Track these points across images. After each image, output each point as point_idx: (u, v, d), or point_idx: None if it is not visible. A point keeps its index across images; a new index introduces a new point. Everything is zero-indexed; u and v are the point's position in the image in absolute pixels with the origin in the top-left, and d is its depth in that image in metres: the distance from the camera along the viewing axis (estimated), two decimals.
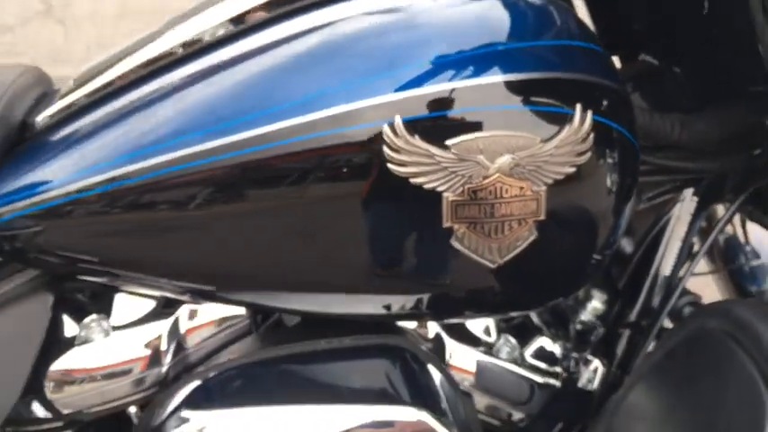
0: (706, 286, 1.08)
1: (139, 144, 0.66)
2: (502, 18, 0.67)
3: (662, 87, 0.86)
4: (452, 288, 0.69)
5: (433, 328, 0.79)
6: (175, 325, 0.75)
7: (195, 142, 0.65)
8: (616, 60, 0.88)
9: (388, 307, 0.72)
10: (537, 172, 0.62)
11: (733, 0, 0.70)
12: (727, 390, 0.62)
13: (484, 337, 0.81)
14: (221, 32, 0.72)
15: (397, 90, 0.61)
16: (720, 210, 0.99)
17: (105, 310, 0.76)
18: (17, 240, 0.70)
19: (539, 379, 0.82)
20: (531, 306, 0.78)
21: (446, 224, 0.63)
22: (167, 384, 0.75)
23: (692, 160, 0.86)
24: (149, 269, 0.72)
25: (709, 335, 0.68)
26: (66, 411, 0.75)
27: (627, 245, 0.94)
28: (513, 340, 0.82)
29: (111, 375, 0.74)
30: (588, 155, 0.64)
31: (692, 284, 0.97)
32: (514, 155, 0.61)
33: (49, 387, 0.74)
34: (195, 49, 0.72)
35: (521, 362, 0.82)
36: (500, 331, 0.82)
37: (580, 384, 0.85)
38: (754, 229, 1.11)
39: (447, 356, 0.79)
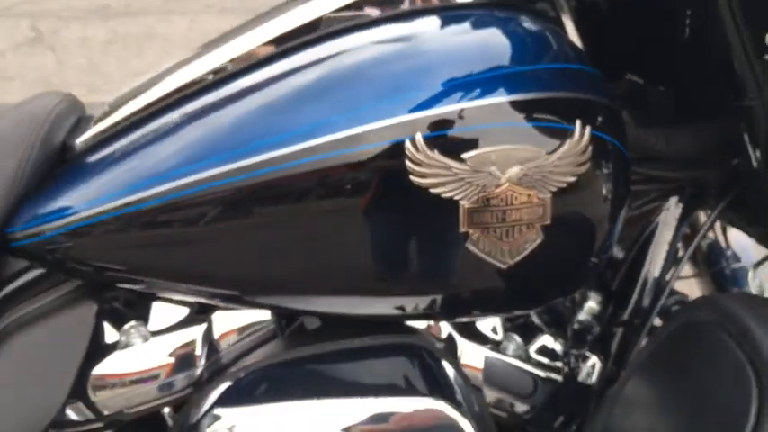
0: (689, 289, 1.15)
1: (167, 167, 0.73)
2: (504, 44, 0.75)
3: (647, 104, 0.93)
4: (464, 289, 0.76)
5: (445, 328, 0.85)
6: (208, 330, 0.81)
7: (224, 162, 0.71)
8: None
9: (402, 308, 0.78)
10: (543, 181, 0.70)
11: (711, 25, 0.77)
12: (718, 375, 0.69)
13: (491, 336, 0.87)
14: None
15: (417, 110, 0.68)
16: (703, 216, 1.07)
17: (143, 316, 0.81)
18: (59, 253, 0.76)
19: (542, 374, 0.88)
20: (535, 304, 0.84)
21: (462, 229, 0.70)
22: (201, 385, 0.80)
23: (676, 170, 0.93)
24: (179, 278, 0.78)
25: (698, 326, 0.74)
26: (107, 412, 0.81)
27: (618, 250, 1.01)
28: (518, 338, 0.88)
29: (149, 377, 0.80)
30: (587, 165, 0.71)
31: (678, 287, 1.04)
32: (523, 166, 0.68)
33: (91, 389, 0.80)
34: (218, 78, 0.78)
35: (525, 358, 0.88)
36: (506, 331, 0.89)
37: (580, 379, 0.91)
38: (735, 234, 1.19)
39: (458, 354, 0.85)
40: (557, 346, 0.91)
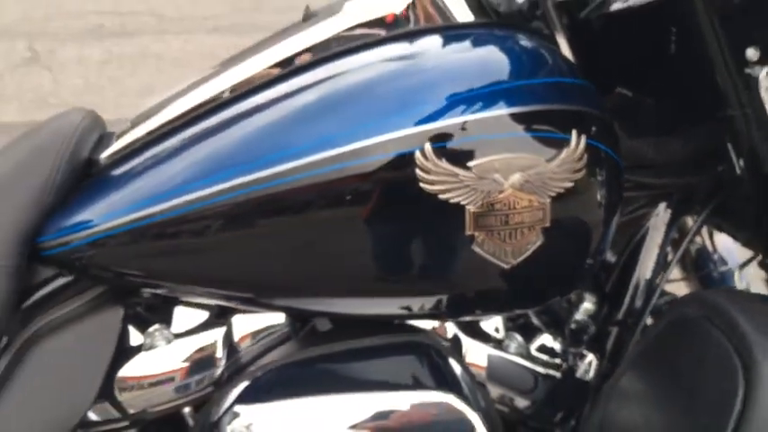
0: (679, 292, 1.20)
1: (182, 181, 0.78)
2: (503, 60, 0.80)
3: (637, 115, 0.99)
4: (470, 289, 0.81)
5: (450, 328, 0.90)
6: (228, 332, 0.86)
7: (236, 175, 0.76)
8: None
9: (409, 308, 0.83)
10: (542, 187, 0.75)
11: (695, 42, 0.83)
12: (706, 365, 0.74)
13: (494, 335, 0.92)
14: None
15: (424, 123, 0.73)
16: (691, 221, 1.12)
17: (166, 320, 0.86)
18: (85, 261, 0.81)
19: (542, 370, 0.93)
20: (535, 303, 0.89)
21: (468, 232, 0.75)
22: (222, 384, 0.85)
23: (665, 177, 0.99)
24: (196, 282, 0.83)
25: (687, 320, 0.80)
26: (132, 411, 0.85)
27: (611, 254, 1.06)
28: (519, 337, 0.93)
29: (173, 377, 0.85)
30: (583, 172, 0.76)
31: (668, 290, 1.10)
32: (524, 173, 0.74)
33: (118, 390, 0.84)
34: (230, 97, 0.83)
35: (526, 356, 0.93)
36: (507, 330, 0.94)
37: (578, 375, 0.95)
38: (722, 239, 1.24)
39: (463, 353, 0.90)
40: (555, 345, 0.96)
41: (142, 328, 0.86)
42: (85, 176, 0.85)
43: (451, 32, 0.84)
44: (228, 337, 0.86)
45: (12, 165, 0.84)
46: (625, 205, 1.00)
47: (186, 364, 0.85)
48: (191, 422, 0.89)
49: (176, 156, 0.80)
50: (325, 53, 0.83)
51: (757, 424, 0.65)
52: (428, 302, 0.82)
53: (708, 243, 1.24)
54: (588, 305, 1.01)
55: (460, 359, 0.87)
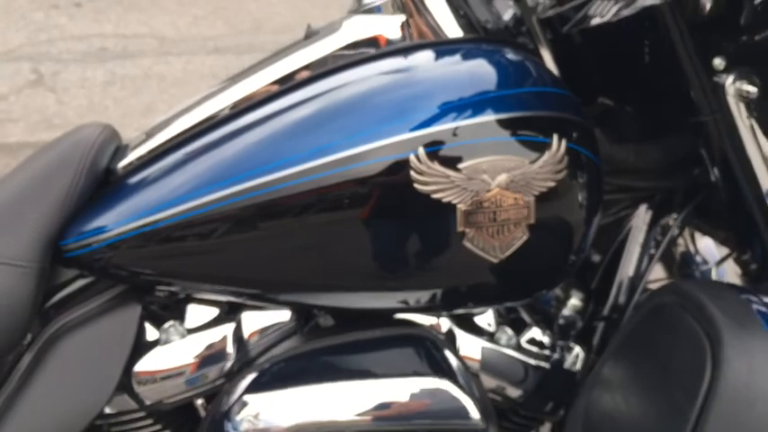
0: None
1: (192, 187, 0.84)
2: (491, 72, 0.87)
3: (618, 123, 1.05)
4: (462, 282, 0.87)
5: (445, 323, 0.96)
6: (237, 328, 0.92)
7: (242, 181, 0.82)
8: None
9: (406, 302, 0.89)
10: (527, 186, 0.81)
11: (667, 53, 0.90)
12: (678, 347, 0.80)
13: (487, 329, 0.98)
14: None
15: (418, 129, 0.80)
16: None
17: (180, 317, 0.92)
18: (104, 262, 0.87)
19: (532, 362, 0.98)
20: (523, 296, 0.95)
21: (459, 229, 0.81)
22: (232, 376, 0.91)
23: (645, 181, 1.05)
24: (206, 280, 0.89)
25: (662, 308, 0.86)
26: (148, 403, 0.91)
27: (595, 253, 1.12)
28: (509, 331, 0.99)
29: (186, 370, 0.90)
30: (564, 173, 0.83)
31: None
32: (510, 174, 0.80)
33: (135, 382, 0.90)
34: (236, 110, 0.89)
35: (517, 348, 0.99)
36: (498, 325, 0.99)
37: (565, 366, 1.01)
38: (706, 242, 1.31)
39: (458, 345, 0.95)
40: (545, 339, 1.02)
41: (158, 324, 0.92)
42: (104, 184, 0.91)
43: (443, 47, 0.91)
44: (238, 332, 0.92)
45: (36, 174, 0.90)
46: (608, 207, 1.07)
47: (199, 358, 0.91)
48: (203, 413, 0.94)
49: (185, 165, 0.87)
50: (325, 68, 0.90)
51: (723, 395, 0.71)
52: (424, 296, 0.88)
53: (690, 246, 1.30)
54: (575, 301, 1.07)
55: (455, 350, 0.93)
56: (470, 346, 0.96)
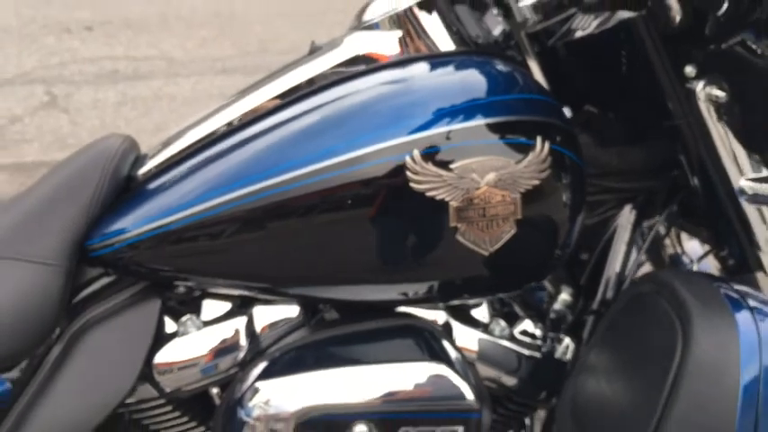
0: None
1: (204, 190, 0.92)
2: (480, 81, 0.94)
3: (602, 128, 1.12)
4: (456, 274, 0.94)
5: (442, 315, 1.02)
6: (249, 321, 0.99)
7: (251, 183, 0.90)
8: (566, 110, 1.15)
9: (405, 293, 0.96)
10: (513, 184, 0.89)
11: (643, 63, 0.97)
12: (654, 330, 0.86)
13: (481, 320, 1.05)
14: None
15: (413, 133, 0.87)
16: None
17: (197, 311, 0.99)
18: (125, 260, 0.95)
19: (524, 351, 1.04)
20: (513, 287, 1.01)
21: (452, 224, 0.88)
22: (244, 365, 0.98)
23: (628, 182, 1.12)
24: (219, 275, 0.97)
25: (640, 296, 0.92)
26: (168, 390, 0.98)
27: (584, 251, 1.19)
28: (503, 322, 1.05)
29: (203, 359, 0.98)
30: (547, 172, 0.90)
31: None
32: (497, 173, 0.88)
33: (155, 372, 0.97)
34: (244, 121, 0.97)
35: (510, 338, 1.05)
36: (492, 317, 1.06)
37: (556, 356, 1.07)
38: (693, 244, 1.37)
39: (454, 336, 1.02)
40: (536, 331, 1.08)
41: (176, 318, 0.99)
42: (125, 190, 0.99)
43: (436, 59, 0.98)
44: (250, 325, 0.99)
45: (63, 181, 0.98)
46: (595, 208, 1.14)
47: (214, 349, 0.98)
48: (217, 401, 1.01)
49: (198, 171, 0.94)
50: (328, 80, 0.97)
51: (693, 370, 0.78)
52: (422, 288, 0.95)
53: (678, 248, 1.36)
54: (565, 296, 1.13)
55: (451, 340, 0.99)
56: (466, 337, 1.02)
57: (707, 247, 1.21)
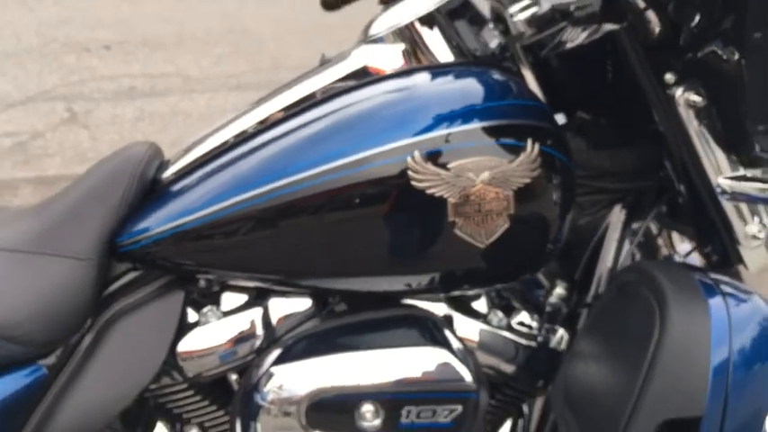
0: None
1: (223, 190, 1.00)
2: (477, 88, 1.02)
3: (594, 133, 1.20)
4: (455, 266, 1.02)
5: (443, 307, 1.10)
6: (265, 312, 1.07)
7: (264, 184, 0.98)
8: (561, 117, 1.23)
9: (409, 284, 1.04)
10: (506, 182, 0.97)
11: (626, 71, 1.05)
12: (635, 316, 0.93)
13: (480, 311, 1.13)
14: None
15: (415, 136, 0.95)
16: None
17: (217, 302, 1.07)
18: (151, 255, 1.03)
19: (521, 341, 1.12)
20: (509, 278, 1.09)
21: (450, 219, 0.96)
22: (260, 352, 1.06)
23: (618, 183, 1.20)
24: (236, 268, 1.05)
25: (624, 285, 1.00)
26: (190, 375, 1.06)
27: (578, 248, 1.27)
28: (500, 313, 1.13)
29: (222, 347, 1.06)
30: (538, 171, 0.98)
31: None
32: (491, 171, 0.96)
33: (179, 357, 1.05)
34: (260, 128, 1.05)
35: (507, 328, 1.13)
36: (490, 308, 1.14)
37: (551, 346, 1.14)
38: (684, 245, 1.44)
39: (455, 327, 1.09)
40: (533, 323, 1.16)
41: (197, 309, 1.08)
42: (151, 192, 1.07)
43: (437, 69, 1.07)
44: (266, 315, 1.07)
45: (95, 184, 1.06)
46: (587, 207, 1.22)
47: (232, 337, 1.06)
48: (236, 386, 1.09)
49: (216, 174, 1.03)
50: (336, 89, 1.06)
51: (668, 345, 0.85)
52: (424, 279, 1.03)
53: (670, 249, 1.43)
54: (560, 290, 1.21)
55: (452, 329, 1.07)
56: (466, 327, 1.10)
57: (693, 245, 1.28)
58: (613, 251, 1.21)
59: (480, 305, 1.13)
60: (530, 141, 0.98)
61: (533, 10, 1.10)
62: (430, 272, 1.02)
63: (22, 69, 4.00)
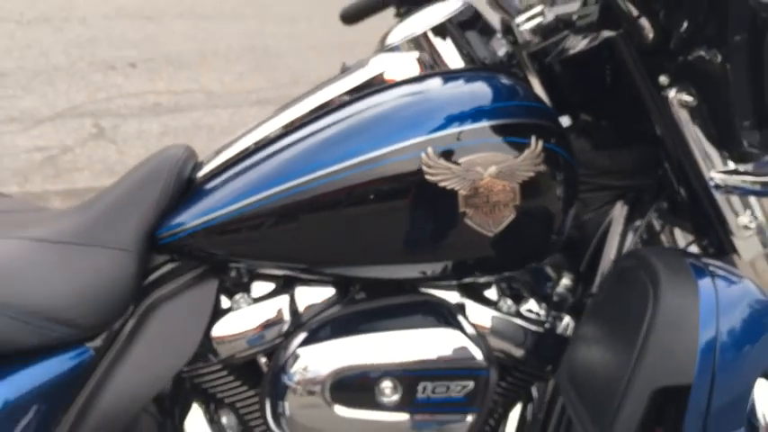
0: None
1: (252, 186, 1.09)
2: (486, 91, 1.11)
3: (596, 133, 1.28)
4: (466, 254, 1.11)
5: (456, 296, 1.19)
6: (292, 299, 1.15)
7: (289, 180, 1.07)
8: (566, 119, 1.32)
9: (424, 272, 1.12)
10: (512, 175, 1.05)
11: (624, 75, 1.14)
12: (632, 299, 1.00)
13: (491, 299, 1.21)
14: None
15: (429, 134, 1.04)
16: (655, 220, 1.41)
17: (247, 289, 1.16)
18: (188, 247, 1.12)
19: (530, 327, 1.19)
20: (516, 266, 1.17)
21: (461, 209, 1.05)
22: (287, 336, 1.14)
23: (619, 181, 1.28)
24: (267, 258, 1.13)
25: (624, 271, 1.08)
26: (224, 357, 1.15)
27: (583, 242, 1.35)
28: (510, 301, 1.21)
29: (252, 331, 1.14)
30: (541, 166, 1.06)
31: None
32: (498, 166, 1.04)
33: (213, 341, 1.14)
34: (285, 131, 1.14)
35: (516, 314, 1.21)
36: (500, 296, 1.22)
37: (558, 332, 1.22)
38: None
39: (467, 313, 1.17)
40: (540, 311, 1.24)
41: (230, 296, 1.16)
42: (186, 189, 1.17)
43: (449, 75, 1.15)
44: (292, 302, 1.15)
45: (136, 182, 1.15)
46: (591, 203, 1.30)
47: (261, 322, 1.14)
48: (265, 368, 1.18)
49: (245, 173, 1.12)
50: (355, 95, 1.15)
51: (660, 321, 0.93)
52: (438, 267, 1.11)
53: (672, 243, 1.51)
54: (566, 281, 1.29)
55: (464, 313, 1.16)
56: (478, 313, 1.18)
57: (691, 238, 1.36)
58: (616, 245, 1.29)
59: (491, 293, 1.21)
60: (533, 138, 1.06)
61: (539, 20, 1.20)
62: (443, 259, 1.11)
63: (51, 87, 4.15)
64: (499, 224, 1.07)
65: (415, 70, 1.19)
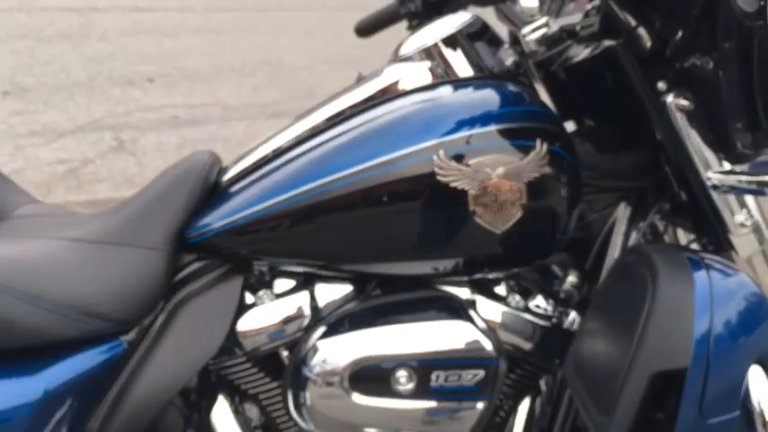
0: None
1: (273, 189, 1.16)
2: (494, 97, 1.18)
3: (599, 138, 1.35)
4: (476, 251, 1.17)
5: (466, 292, 1.25)
6: (312, 295, 1.22)
7: (313, 180, 1.13)
8: (571, 124, 1.39)
9: (437, 268, 1.19)
10: (519, 176, 1.12)
11: (624, 81, 1.20)
12: (632, 292, 1.06)
13: (500, 295, 1.27)
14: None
15: (441, 137, 1.11)
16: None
17: (270, 286, 1.23)
18: (214, 246, 1.19)
19: (538, 321, 1.25)
20: (524, 263, 1.23)
21: (471, 208, 1.12)
22: (308, 330, 1.21)
23: (622, 182, 1.35)
24: (288, 256, 1.20)
25: (626, 266, 1.14)
26: (248, 350, 1.22)
27: (588, 241, 1.41)
28: (518, 297, 1.27)
29: (275, 325, 1.21)
30: (546, 167, 1.13)
31: None
32: (505, 167, 1.11)
33: (238, 335, 1.21)
34: (303, 138, 1.22)
35: (525, 309, 1.26)
36: (509, 292, 1.28)
37: (564, 327, 1.28)
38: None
39: (478, 309, 1.23)
40: (548, 307, 1.30)
41: (254, 292, 1.23)
42: (212, 192, 1.24)
43: (459, 83, 1.22)
44: (312, 298, 1.22)
45: (166, 185, 1.23)
46: (595, 204, 1.37)
47: (283, 317, 1.21)
48: (286, 361, 1.25)
49: (265, 177, 1.19)
50: (372, 102, 1.22)
51: (659, 311, 0.98)
52: (449, 263, 1.18)
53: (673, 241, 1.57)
54: (572, 279, 1.34)
55: (475, 308, 1.22)
56: (488, 308, 1.24)
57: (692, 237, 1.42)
58: (620, 244, 1.35)
59: (501, 290, 1.27)
60: (539, 141, 1.13)
61: (544, 31, 1.27)
62: (454, 256, 1.17)
63: (72, 101, 4.26)
64: (507, 222, 1.13)
65: (428, 79, 1.26)
